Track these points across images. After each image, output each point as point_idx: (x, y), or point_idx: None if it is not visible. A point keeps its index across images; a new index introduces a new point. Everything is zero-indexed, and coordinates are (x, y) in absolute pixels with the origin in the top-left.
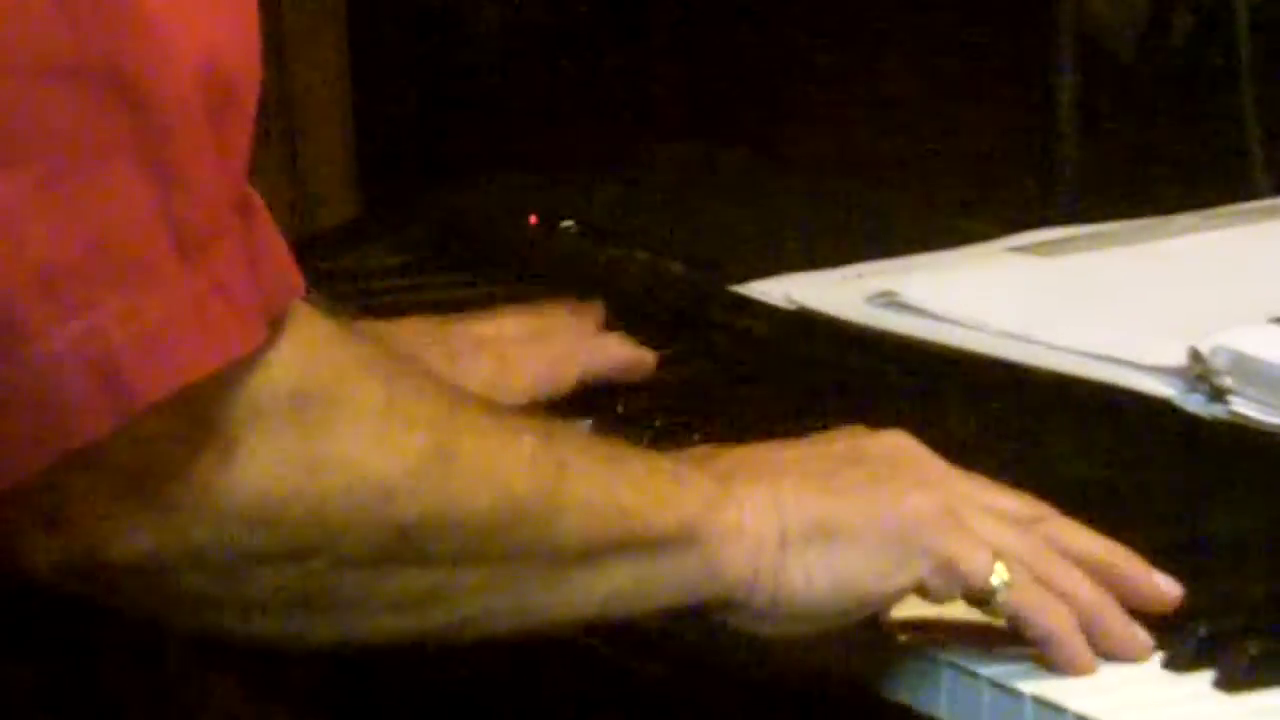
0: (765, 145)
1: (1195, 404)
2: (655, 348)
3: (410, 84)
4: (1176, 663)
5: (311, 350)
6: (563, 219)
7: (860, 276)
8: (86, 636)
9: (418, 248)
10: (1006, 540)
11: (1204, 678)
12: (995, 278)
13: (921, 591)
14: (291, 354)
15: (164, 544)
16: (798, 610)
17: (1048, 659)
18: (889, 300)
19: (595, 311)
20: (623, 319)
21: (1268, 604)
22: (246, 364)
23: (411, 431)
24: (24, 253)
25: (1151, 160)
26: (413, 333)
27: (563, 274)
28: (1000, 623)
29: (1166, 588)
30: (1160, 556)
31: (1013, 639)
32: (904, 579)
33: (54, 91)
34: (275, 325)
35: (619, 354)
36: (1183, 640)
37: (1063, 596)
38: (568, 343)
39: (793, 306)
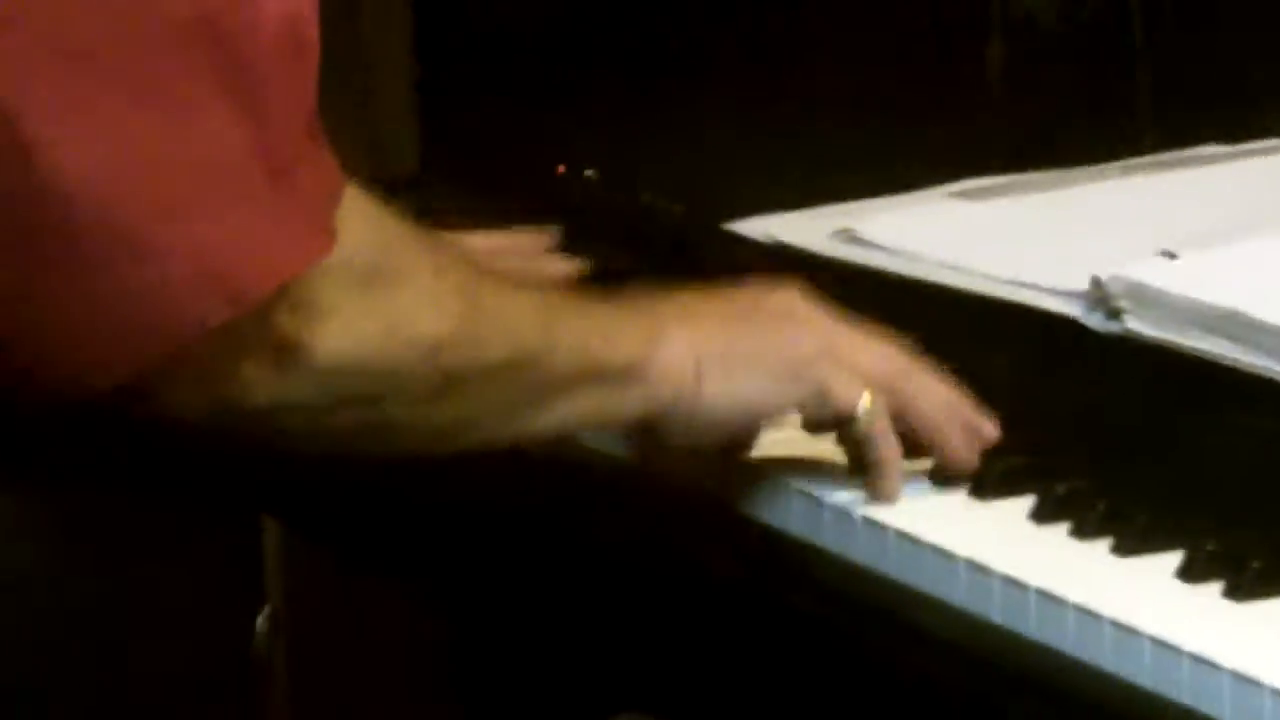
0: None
1: (1096, 322)
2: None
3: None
4: (983, 491)
5: (373, 230)
6: (585, 168)
7: (827, 216)
8: None
9: (472, 196)
10: (875, 370)
11: (1010, 507)
12: (937, 218)
13: (802, 414)
14: (358, 236)
15: (278, 396)
16: (704, 424)
17: (869, 484)
18: (849, 236)
19: (548, 235)
20: (626, 253)
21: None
22: (328, 254)
23: (453, 294)
24: (145, 175)
25: (1070, 116)
26: None
27: (582, 219)
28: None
29: (988, 429)
30: (1062, 443)
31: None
32: (787, 400)
33: (172, 46)
34: (340, 214)
35: (554, 272)
36: (992, 471)
37: (917, 404)
38: (513, 261)
39: (771, 241)
